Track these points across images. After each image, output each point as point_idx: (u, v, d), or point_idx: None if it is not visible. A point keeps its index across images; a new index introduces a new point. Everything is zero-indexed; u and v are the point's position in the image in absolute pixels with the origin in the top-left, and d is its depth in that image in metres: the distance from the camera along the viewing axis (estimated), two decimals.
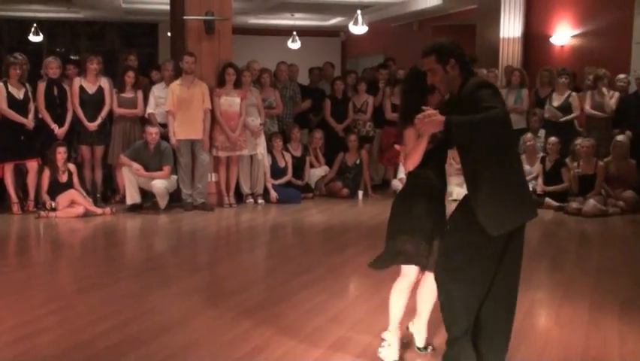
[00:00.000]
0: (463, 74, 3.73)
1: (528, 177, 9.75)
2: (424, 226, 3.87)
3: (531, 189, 9.64)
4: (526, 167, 9.87)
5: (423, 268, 3.97)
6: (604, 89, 9.98)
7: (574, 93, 10.18)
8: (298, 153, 10.25)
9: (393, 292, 4.06)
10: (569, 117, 10.07)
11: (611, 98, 9.96)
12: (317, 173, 10.47)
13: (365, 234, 8.04)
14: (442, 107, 3.67)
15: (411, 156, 3.78)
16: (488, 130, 3.44)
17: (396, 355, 4.02)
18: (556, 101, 10.19)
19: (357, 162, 10.42)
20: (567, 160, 9.62)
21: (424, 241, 3.86)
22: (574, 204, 9.11)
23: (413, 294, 4.13)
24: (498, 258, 3.69)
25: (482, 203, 3.58)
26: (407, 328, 4.27)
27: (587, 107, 10.01)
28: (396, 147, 4.07)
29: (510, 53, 12.87)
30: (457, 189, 9.99)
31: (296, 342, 4.34)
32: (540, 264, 6.70)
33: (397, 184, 10.16)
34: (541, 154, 9.86)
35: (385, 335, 4.13)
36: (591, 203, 8.99)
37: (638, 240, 7.86)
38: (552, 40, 12.52)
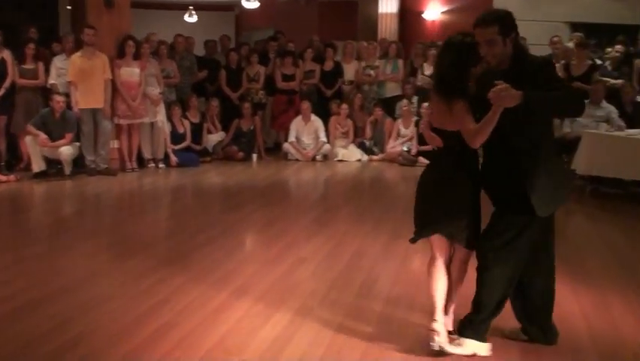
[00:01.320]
0: (515, 50, 3.33)
1: (404, 139, 10.06)
2: (463, 203, 3.40)
3: (406, 149, 9.94)
4: (402, 129, 10.15)
5: (451, 238, 3.48)
6: None
7: None
8: (196, 120, 10.09)
9: (431, 278, 3.50)
10: None
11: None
12: (214, 138, 10.36)
13: (259, 193, 8.08)
14: (477, 82, 3.33)
15: (483, 131, 3.19)
16: (564, 107, 3.24)
17: (446, 340, 3.42)
18: (428, 70, 10.44)
19: (251, 127, 10.38)
20: None
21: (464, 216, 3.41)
22: None
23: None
24: (536, 238, 3.39)
25: (537, 183, 3.24)
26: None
27: None
28: (423, 122, 3.74)
29: (387, 27, 13.07)
30: (342, 151, 10.18)
31: (201, 290, 4.34)
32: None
33: (288, 147, 10.23)
34: (416, 118, 10.13)
35: (436, 325, 3.42)
36: None
37: None
38: (424, 15, 12.81)
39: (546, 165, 3.28)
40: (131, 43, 9.03)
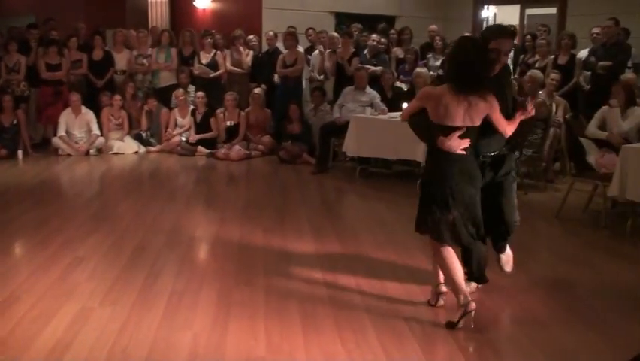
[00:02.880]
0: None
1: (181, 129, 9.98)
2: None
3: (184, 139, 9.87)
4: (179, 119, 10.05)
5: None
6: (241, 48, 10.48)
7: (219, 52, 10.52)
8: None
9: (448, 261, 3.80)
10: (216, 73, 10.39)
11: (247, 56, 10.52)
12: None
13: (28, 192, 7.52)
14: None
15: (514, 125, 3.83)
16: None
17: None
18: (205, 59, 10.44)
19: (14, 122, 9.60)
20: (218, 111, 9.95)
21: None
22: (222, 150, 9.54)
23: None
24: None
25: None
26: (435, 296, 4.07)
27: (228, 65, 10.45)
28: (446, 139, 3.70)
29: (158, 15, 12.81)
30: (117, 143, 9.82)
31: None
32: (196, 205, 6.95)
33: (58, 142, 9.64)
34: (192, 107, 10.08)
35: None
36: (237, 148, 9.49)
37: (275, 176, 8.51)
38: (195, 3, 12.74)
39: None
40: None
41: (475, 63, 3.68)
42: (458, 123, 3.70)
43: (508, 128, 3.81)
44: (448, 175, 3.74)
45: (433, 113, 3.76)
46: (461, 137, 3.71)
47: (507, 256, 4.25)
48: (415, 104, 3.90)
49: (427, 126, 3.80)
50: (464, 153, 3.73)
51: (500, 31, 3.95)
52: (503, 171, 3.98)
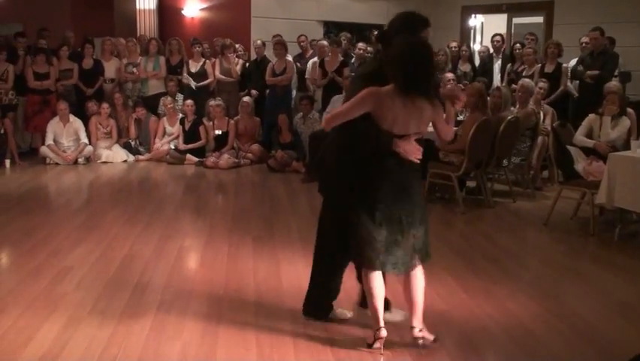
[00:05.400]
0: None
1: (170, 138, 9.96)
2: None
3: (173, 147, 9.85)
4: (168, 128, 10.03)
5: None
6: (230, 56, 10.49)
7: (208, 61, 10.52)
8: None
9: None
10: (205, 82, 10.39)
11: (237, 65, 10.53)
12: None
13: (15, 201, 7.47)
14: None
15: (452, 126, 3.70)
16: None
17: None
18: (194, 68, 10.43)
19: (2, 130, 9.54)
20: (204, 120, 9.95)
21: None
22: (211, 159, 9.52)
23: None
24: None
25: None
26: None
27: (217, 73, 10.44)
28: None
29: (146, 23, 12.80)
30: (105, 152, 9.79)
31: None
32: (185, 214, 6.93)
33: (46, 151, 9.59)
34: (180, 115, 10.06)
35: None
36: (226, 157, 9.48)
37: (265, 185, 8.50)
38: (184, 12, 12.74)
39: None
40: None
41: (427, 62, 3.40)
42: (411, 131, 3.42)
43: (450, 132, 3.67)
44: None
45: (381, 118, 3.38)
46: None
47: None
48: (357, 108, 3.39)
49: (376, 133, 3.39)
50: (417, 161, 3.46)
51: (425, 21, 3.56)
52: None
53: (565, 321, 4.01)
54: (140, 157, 9.95)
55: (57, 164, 9.52)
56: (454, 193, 7.08)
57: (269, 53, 10.36)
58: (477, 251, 5.53)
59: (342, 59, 9.73)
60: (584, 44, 8.85)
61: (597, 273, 5.07)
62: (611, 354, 3.53)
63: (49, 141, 9.63)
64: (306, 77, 10.18)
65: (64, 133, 9.71)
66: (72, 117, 9.76)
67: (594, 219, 6.08)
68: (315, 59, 10.13)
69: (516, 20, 12.23)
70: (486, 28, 12.71)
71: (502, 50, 10.20)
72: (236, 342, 3.63)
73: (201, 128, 9.88)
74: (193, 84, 10.31)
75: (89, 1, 12.69)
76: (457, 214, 6.86)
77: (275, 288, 4.51)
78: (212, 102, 9.95)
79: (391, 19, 3.65)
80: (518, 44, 9.74)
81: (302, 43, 10.79)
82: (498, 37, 10.25)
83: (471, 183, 7.72)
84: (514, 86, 8.53)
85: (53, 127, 9.68)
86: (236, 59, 10.62)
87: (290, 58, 10.27)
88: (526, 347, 3.66)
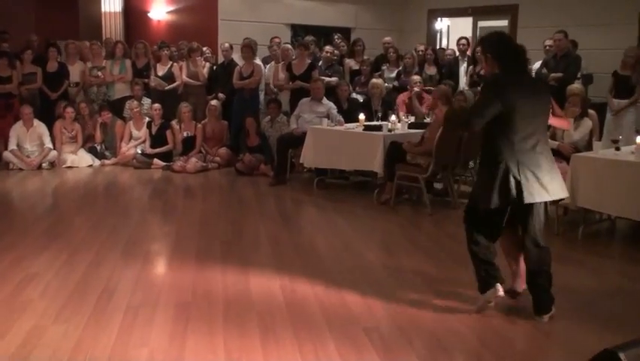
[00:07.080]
0: None
1: (136, 142, 9.86)
2: None
3: (140, 152, 9.75)
4: (134, 132, 9.93)
5: None
6: (197, 60, 10.43)
7: (175, 64, 10.44)
8: None
9: None
10: (172, 86, 10.31)
11: (204, 68, 10.47)
12: None
13: None
14: None
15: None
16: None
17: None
18: (161, 71, 10.35)
19: None
20: (173, 123, 9.87)
21: None
22: (179, 163, 9.45)
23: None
24: None
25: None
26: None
27: (184, 76, 10.38)
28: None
29: (112, 26, 12.67)
30: (71, 157, 9.66)
31: None
32: (152, 219, 6.87)
33: (9, 156, 9.42)
34: (147, 119, 9.97)
35: None
36: (193, 160, 9.42)
37: (233, 189, 8.46)
38: (150, 15, 12.64)
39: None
40: None
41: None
42: None
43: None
44: None
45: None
46: None
47: None
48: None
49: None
50: None
51: None
52: None
53: (531, 321, 4.05)
54: (106, 162, 9.84)
55: (21, 169, 9.36)
56: (421, 195, 7.14)
57: (237, 55, 10.32)
58: (445, 252, 5.57)
59: (309, 61, 9.74)
60: (547, 47, 8.97)
61: (561, 271, 5.13)
62: (579, 353, 3.58)
63: (12, 146, 9.46)
64: (266, 81, 10.17)
65: (28, 138, 9.55)
66: (36, 122, 9.61)
67: (558, 219, 6.17)
68: (273, 63, 10.13)
69: (481, 24, 12.37)
70: (452, 32, 12.83)
71: (468, 53, 10.30)
72: (205, 347, 3.61)
73: (168, 133, 9.80)
74: (164, 85, 10.21)
75: (53, 4, 12.52)
76: (424, 216, 6.91)
77: (243, 292, 4.49)
78: (182, 104, 9.87)
79: None
80: (479, 47, 9.81)
81: (274, 46, 10.64)
82: (464, 41, 10.34)
83: (438, 185, 7.79)
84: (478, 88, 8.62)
85: (17, 132, 9.51)
86: (204, 62, 10.56)
87: (258, 61, 10.24)
88: (491, 345, 3.70)
